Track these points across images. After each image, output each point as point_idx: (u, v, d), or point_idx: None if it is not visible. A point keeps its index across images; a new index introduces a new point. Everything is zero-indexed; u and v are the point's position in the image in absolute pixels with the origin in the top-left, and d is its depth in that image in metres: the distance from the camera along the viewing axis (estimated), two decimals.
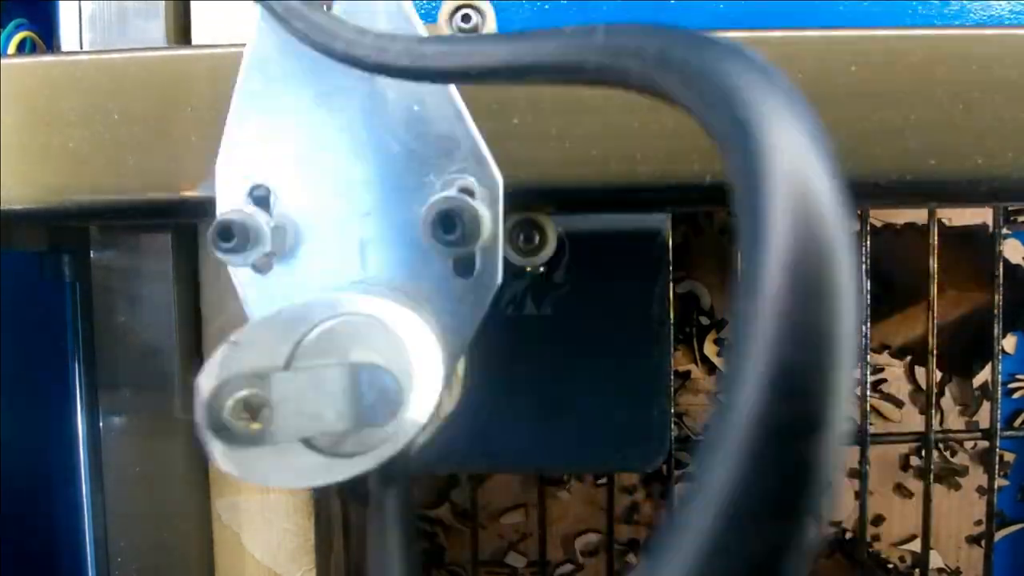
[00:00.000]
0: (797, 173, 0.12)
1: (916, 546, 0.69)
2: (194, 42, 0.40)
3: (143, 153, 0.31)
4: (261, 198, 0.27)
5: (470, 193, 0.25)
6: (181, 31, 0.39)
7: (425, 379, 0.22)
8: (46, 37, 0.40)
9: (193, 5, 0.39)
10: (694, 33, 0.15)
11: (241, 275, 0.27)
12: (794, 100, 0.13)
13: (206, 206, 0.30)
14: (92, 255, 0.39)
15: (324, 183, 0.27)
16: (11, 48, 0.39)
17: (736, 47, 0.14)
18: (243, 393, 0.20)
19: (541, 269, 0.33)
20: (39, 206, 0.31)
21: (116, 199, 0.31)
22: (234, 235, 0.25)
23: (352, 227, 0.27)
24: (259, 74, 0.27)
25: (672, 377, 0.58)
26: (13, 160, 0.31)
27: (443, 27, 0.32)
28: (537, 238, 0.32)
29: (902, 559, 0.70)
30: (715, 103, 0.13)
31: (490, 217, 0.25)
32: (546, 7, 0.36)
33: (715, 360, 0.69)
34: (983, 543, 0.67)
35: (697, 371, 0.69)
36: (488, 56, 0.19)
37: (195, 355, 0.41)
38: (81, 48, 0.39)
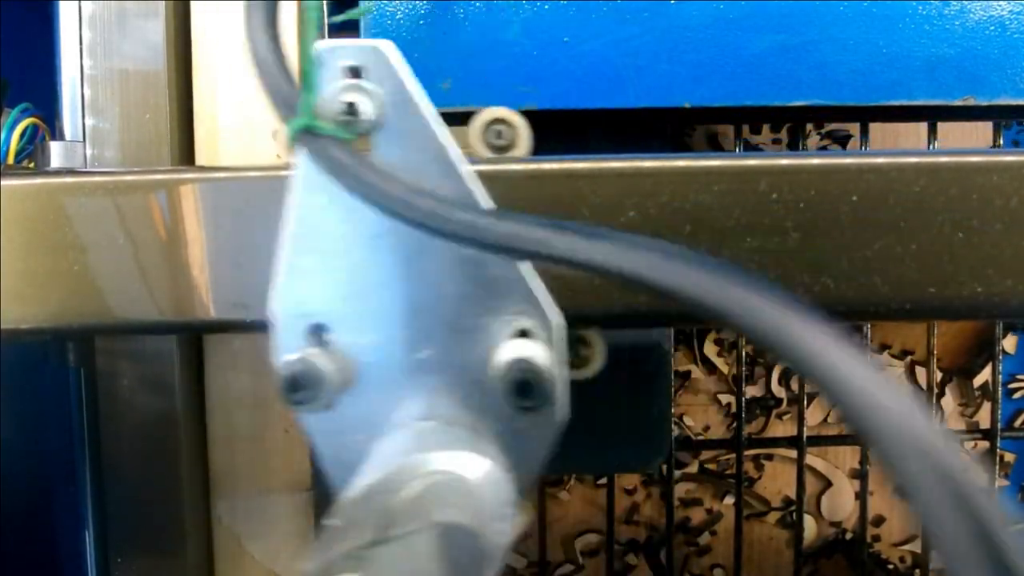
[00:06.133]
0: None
1: (916, 547, 0.69)
2: (195, 43, 0.40)
3: (149, 277, 0.30)
4: (320, 336, 0.26)
5: (528, 334, 0.25)
6: (181, 31, 0.39)
7: (503, 526, 0.22)
8: (47, 45, 0.40)
9: (193, 5, 0.39)
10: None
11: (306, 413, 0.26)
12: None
13: (214, 323, 0.30)
14: (96, 341, 0.40)
15: (381, 321, 0.26)
16: (15, 136, 0.39)
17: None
18: None
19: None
20: (42, 326, 0.31)
21: (120, 321, 0.31)
22: (302, 386, 0.24)
23: (412, 364, 0.26)
24: (307, 213, 0.26)
25: (672, 377, 0.58)
26: (16, 282, 0.30)
27: (475, 141, 0.32)
28: (584, 351, 0.32)
29: (902, 559, 0.70)
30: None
31: (551, 357, 0.25)
32: (545, 7, 0.36)
33: (715, 360, 0.69)
34: None
35: (697, 371, 0.69)
36: (566, 251, 0.20)
37: (200, 435, 0.41)
38: (80, 50, 0.39)
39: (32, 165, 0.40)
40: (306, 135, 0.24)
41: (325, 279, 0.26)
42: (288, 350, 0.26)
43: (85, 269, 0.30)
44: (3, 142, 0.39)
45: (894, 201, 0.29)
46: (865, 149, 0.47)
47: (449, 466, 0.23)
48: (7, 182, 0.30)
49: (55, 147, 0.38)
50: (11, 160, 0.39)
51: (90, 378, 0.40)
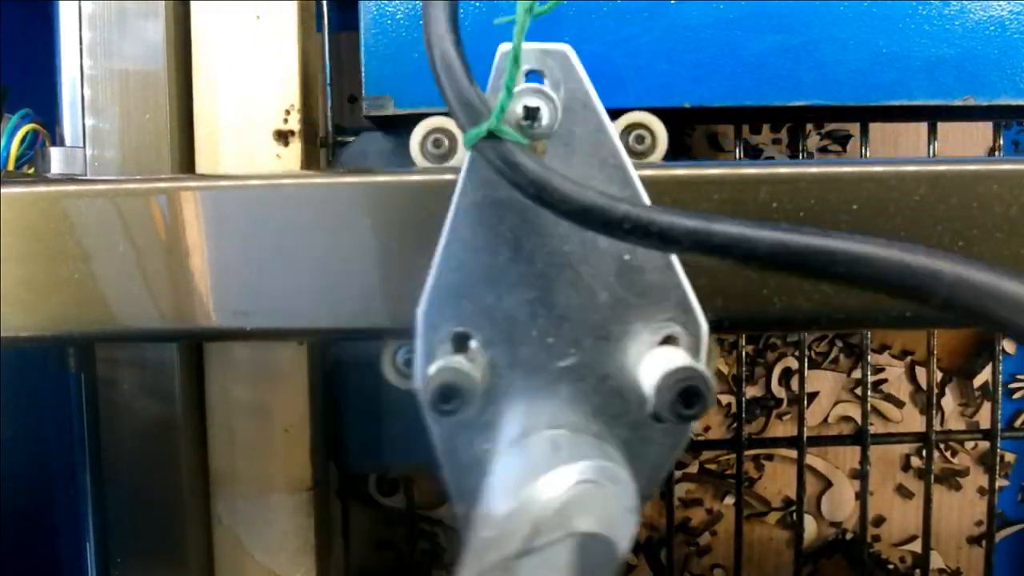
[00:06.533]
0: None
1: (917, 547, 0.69)
2: (195, 43, 0.40)
3: (150, 285, 0.30)
4: (464, 344, 0.26)
5: (674, 341, 0.25)
6: (181, 31, 0.39)
7: (627, 532, 0.22)
8: (47, 45, 0.40)
9: (193, 5, 0.39)
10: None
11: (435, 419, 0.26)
12: None
13: (215, 331, 0.30)
14: (97, 347, 0.40)
15: (526, 330, 0.26)
16: (15, 142, 0.39)
17: None
18: None
19: None
20: (43, 333, 0.31)
21: (120, 329, 0.31)
22: (453, 396, 0.24)
23: (553, 373, 0.26)
24: (468, 220, 0.26)
25: None
26: (16, 289, 0.30)
27: (414, 149, 0.33)
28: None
29: (902, 559, 0.70)
30: None
31: (702, 363, 0.25)
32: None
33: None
34: (984, 544, 0.67)
35: None
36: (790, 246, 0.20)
37: (200, 437, 0.42)
38: (81, 50, 0.39)
39: (32, 171, 0.40)
40: (486, 141, 0.23)
41: (474, 289, 0.26)
42: (430, 357, 0.26)
43: (86, 277, 0.30)
44: (3, 148, 0.39)
45: (894, 210, 0.29)
46: (865, 149, 0.47)
47: (591, 475, 0.22)
48: (8, 189, 0.30)
49: (55, 153, 0.38)
50: (11, 166, 0.39)
51: (90, 383, 0.40)
